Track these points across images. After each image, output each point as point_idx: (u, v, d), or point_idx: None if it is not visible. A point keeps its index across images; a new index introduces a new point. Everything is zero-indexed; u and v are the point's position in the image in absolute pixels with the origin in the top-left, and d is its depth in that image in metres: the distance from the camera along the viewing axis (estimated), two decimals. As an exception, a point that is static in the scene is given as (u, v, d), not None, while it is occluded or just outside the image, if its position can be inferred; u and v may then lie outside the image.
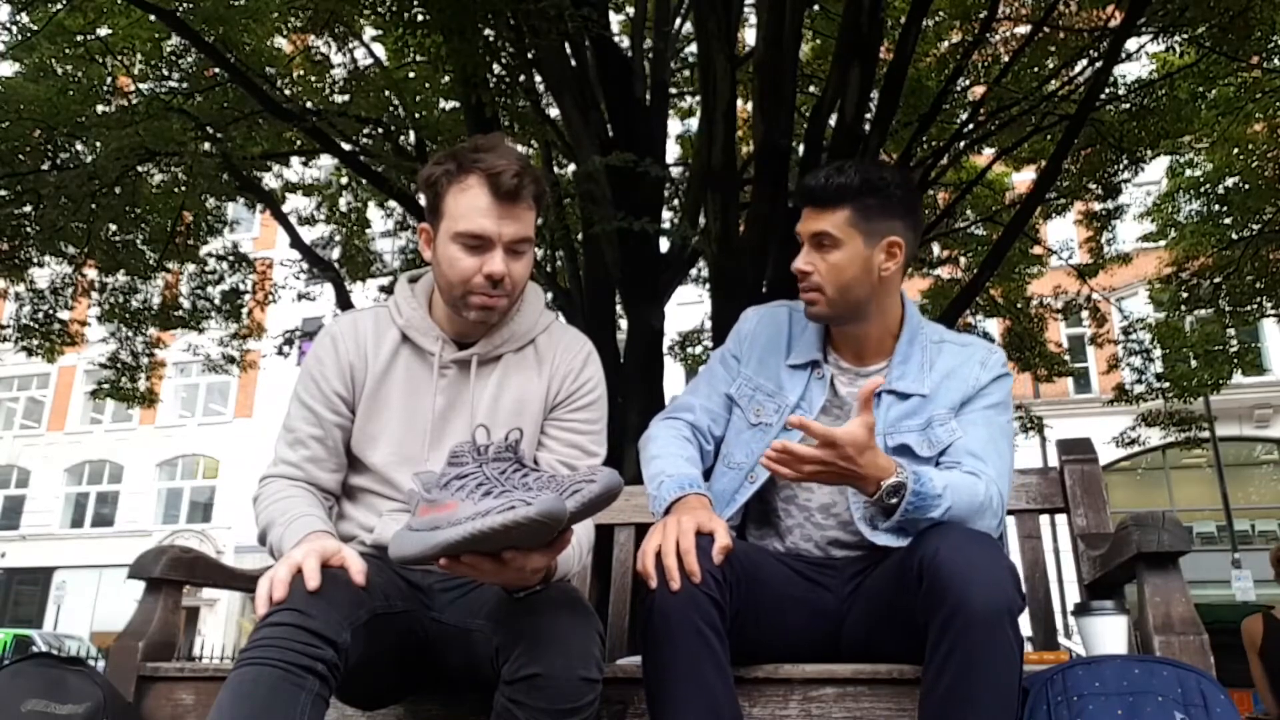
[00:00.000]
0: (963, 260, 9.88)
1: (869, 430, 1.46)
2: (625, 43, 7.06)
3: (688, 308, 11.24)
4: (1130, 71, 8.39)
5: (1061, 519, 2.09)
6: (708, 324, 6.75)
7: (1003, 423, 1.68)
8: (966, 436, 1.63)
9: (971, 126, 7.67)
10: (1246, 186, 9.10)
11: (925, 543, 1.41)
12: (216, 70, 7.26)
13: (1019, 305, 9.80)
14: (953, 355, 1.72)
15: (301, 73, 8.46)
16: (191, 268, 9.54)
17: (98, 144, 7.17)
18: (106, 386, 9.77)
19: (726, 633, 1.42)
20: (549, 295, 8.20)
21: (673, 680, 1.38)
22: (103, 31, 7.37)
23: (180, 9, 6.52)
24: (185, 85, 7.85)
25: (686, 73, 8.65)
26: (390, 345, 1.62)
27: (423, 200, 1.61)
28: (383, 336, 1.63)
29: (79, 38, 7.32)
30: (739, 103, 6.36)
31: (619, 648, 2.07)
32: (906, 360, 1.70)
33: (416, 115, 8.06)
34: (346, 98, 8.25)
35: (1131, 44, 6.90)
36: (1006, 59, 7.67)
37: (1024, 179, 9.32)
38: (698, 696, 1.37)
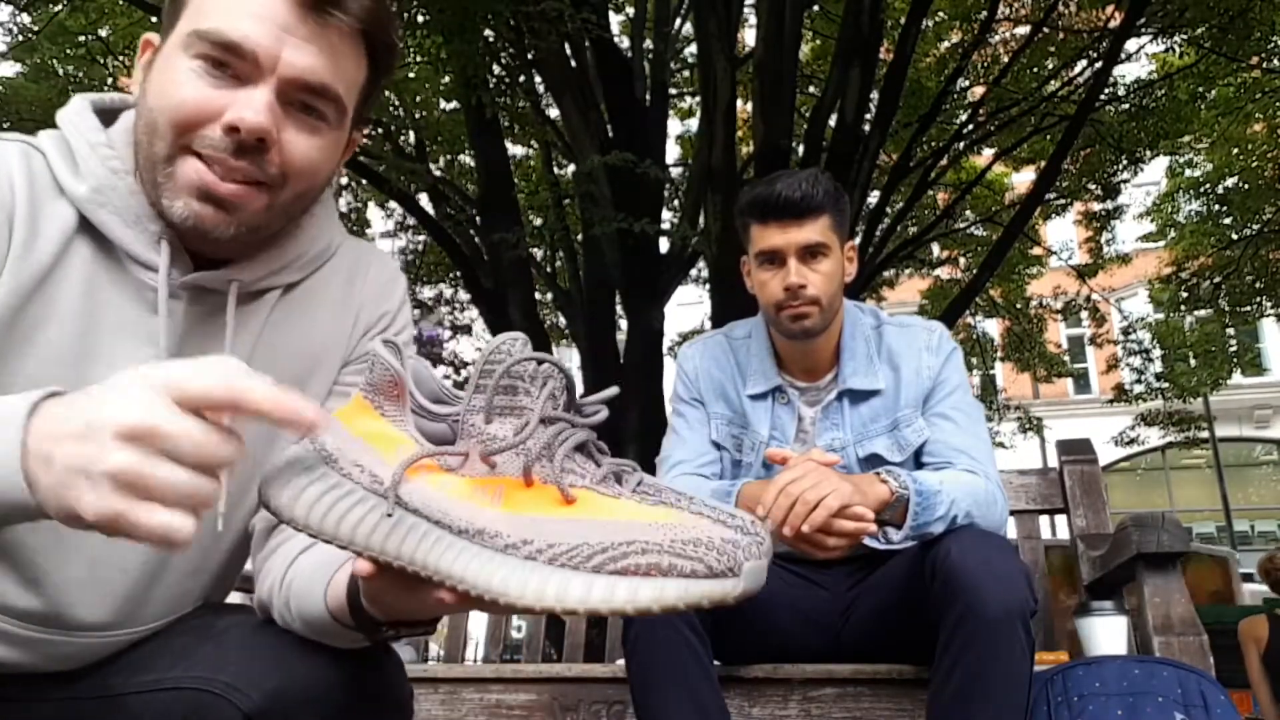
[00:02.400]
0: (962, 261, 9.88)
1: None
2: (625, 43, 7.06)
3: (688, 308, 11.23)
4: (1130, 72, 8.39)
5: (1061, 519, 2.10)
6: (708, 324, 6.75)
7: (968, 404, 1.68)
8: (943, 432, 1.63)
9: (971, 127, 7.67)
10: (1246, 186, 9.11)
11: (939, 543, 1.41)
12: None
13: (1019, 306, 9.81)
14: (894, 337, 1.71)
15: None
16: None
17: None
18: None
19: (708, 632, 1.42)
20: (549, 295, 8.21)
21: (657, 682, 1.39)
22: (103, 32, 7.37)
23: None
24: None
25: (686, 73, 8.65)
26: (59, 230, 0.83)
27: None
28: (40, 203, 0.83)
29: (80, 38, 7.32)
30: (739, 103, 6.36)
31: (619, 648, 2.08)
32: (854, 355, 1.70)
33: (416, 116, 8.06)
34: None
35: (1131, 44, 6.90)
36: (1006, 59, 7.67)
37: (1024, 179, 9.32)
38: (682, 695, 1.37)
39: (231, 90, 0.79)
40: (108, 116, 0.90)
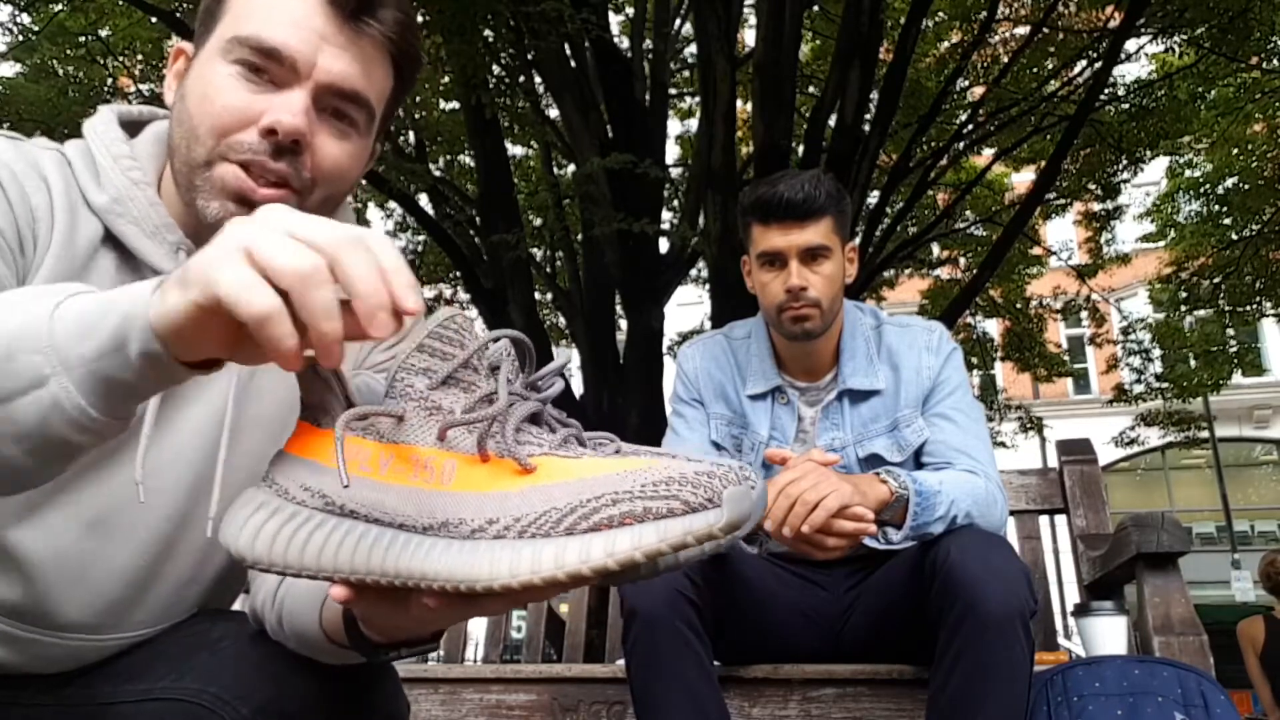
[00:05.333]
0: (962, 261, 9.87)
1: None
2: (625, 43, 7.06)
3: (688, 308, 11.23)
4: (1130, 72, 8.38)
5: (1061, 519, 2.10)
6: (708, 324, 6.75)
7: (968, 404, 1.68)
8: (942, 433, 1.63)
9: (971, 127, 7.66)
10: (1246, 186, 9.10)
11: (938, 544, 1.41)
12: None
13: (1018, 306, 9.79)
14: (894, 336, 1.72)
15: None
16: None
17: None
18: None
19: (708, 632, 1.42)
20: (549, 295, 8.20)
21: (657, 681, 1.39)
22: (103, 32, 7.37)
23: (180, 9, 6.53)
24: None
25: (686, 73, 8.65)
26: (88, 241, 0.84)
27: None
28: (75, 212, 0.84)
29: (80, 38, 7.32)
30: (739, 103, 6.35)
31: (619, 648, 2.08)
32: (854, 355, 1.70)
33: (416, 116, 8.05)
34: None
35: (1131, 45, 6.90)
36: (1006, 60, 7.67)
37: (1024, 179, 9.32)
38: (682, 695, 1.37)
39: (269, 95, 0.81)
40: (134, 128, 0.92)
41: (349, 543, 0.58)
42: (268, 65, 0.81)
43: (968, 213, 9.09)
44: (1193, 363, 10.11)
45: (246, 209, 0.80)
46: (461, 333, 0.61)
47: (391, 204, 8.98)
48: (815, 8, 7.41)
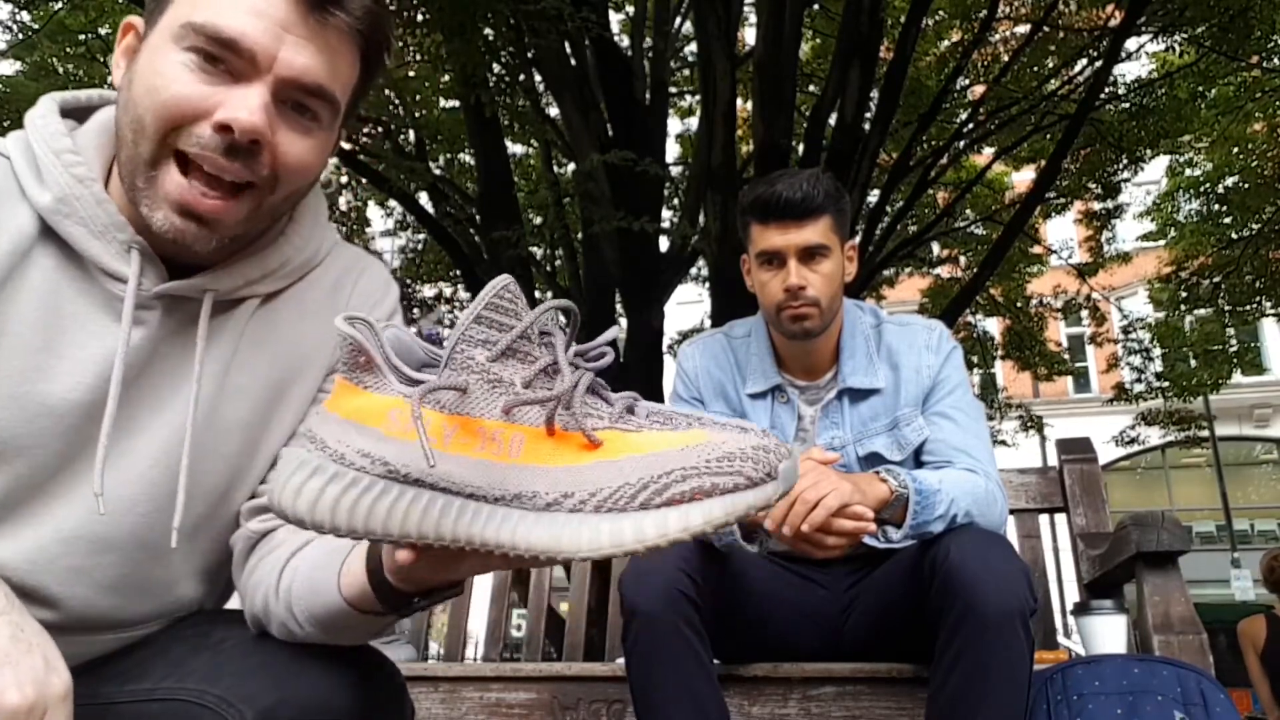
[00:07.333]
0: (962, 260, 9.87)
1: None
2: (625, 42, 7.06)
3: (687, 307, 11.23)
4: (1130, 71, 8.38)
5: (1061, 518, 2.11)
6: (708, 324, 6.75)
7: (968, 403, 1.68)
8: (942, 431, 1.63)
9: (971, 126, 7.66)
10: (1246, 186, 9.10)
11: (938, 542, 1.41)
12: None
13: (1019, 305, 9.80)
14: (894, 335, 1.72)
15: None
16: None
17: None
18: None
19: (708, 631, 1.42)
20: (548, 294, 8.20)
21: (657, 680, 1.39)
22: (103, 30, 7.37)
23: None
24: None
25: (686, 72, 8.65)
26: (12, 241, 0.79)
27: None
28: None
29: (80, 36, 7.31)
30: (739, 102, 6.35)
31: (618, 647, 2.08)
32: (853, 354, 1.70)
33: (416, 114, 8.05)
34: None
35: (1131, 43, 6.90)
36: (1006, 59, 7.67)
37: (1024, 179, 9.31)
38: (682, 694, 1.37)
39: (225, 87, 0.76)
40: (82, 114, 0.88)
41: (416, 510, 0.59)
42: (224, 55, 0.76)
43: (968, 211, 9.09)
44: (1193, 362, 10.12)
45: (193, 221, 0.78)
46: (515, 301, 0.63)
47: (392, 202, 8.98)
48: (815, 6, 7.41)
